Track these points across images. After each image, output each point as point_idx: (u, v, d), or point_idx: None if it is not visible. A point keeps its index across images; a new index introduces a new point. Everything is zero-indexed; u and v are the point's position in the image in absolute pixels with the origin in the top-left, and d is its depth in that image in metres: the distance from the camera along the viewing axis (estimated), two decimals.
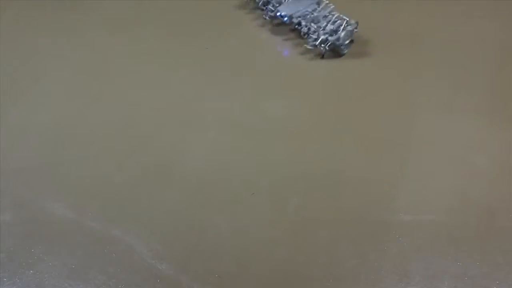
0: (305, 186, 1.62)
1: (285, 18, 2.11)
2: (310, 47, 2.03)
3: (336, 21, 2.02)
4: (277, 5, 2.17)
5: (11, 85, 2.01)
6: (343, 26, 2.00)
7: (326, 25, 2.01)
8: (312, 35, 2.03)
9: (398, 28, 2.19)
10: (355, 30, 2.04)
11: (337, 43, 2.00)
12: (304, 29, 2.07)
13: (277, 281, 1.40)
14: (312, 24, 2.05)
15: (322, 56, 2.03)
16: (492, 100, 1.86)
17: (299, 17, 2.10)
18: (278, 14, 2.12)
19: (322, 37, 1.98)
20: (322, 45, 2.00)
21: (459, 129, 1.77)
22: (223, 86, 1.96)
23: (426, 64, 2.02)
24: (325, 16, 2.07)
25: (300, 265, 1.43)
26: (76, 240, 1.49)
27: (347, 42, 2.02)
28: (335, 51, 2.04)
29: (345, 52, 2.04)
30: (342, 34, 1.98)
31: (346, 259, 1.43)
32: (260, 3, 2.25)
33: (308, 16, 2.09)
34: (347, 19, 2.03)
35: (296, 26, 2.13)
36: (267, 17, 2.21)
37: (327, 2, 2.13)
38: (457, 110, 1.83)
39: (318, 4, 2.13)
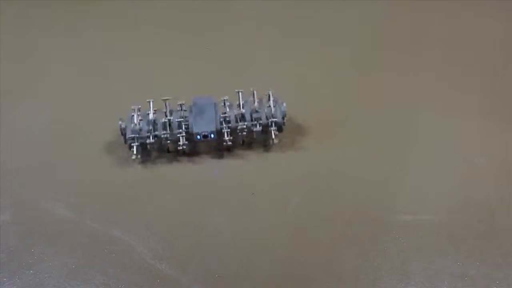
0: (305, 186, 1.62)
1: (212, 135, 1.68)
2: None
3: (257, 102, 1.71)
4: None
5: (11, 85, 2.01)
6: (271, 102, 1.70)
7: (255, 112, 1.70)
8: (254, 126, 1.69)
9: (397, 27, 2.20)
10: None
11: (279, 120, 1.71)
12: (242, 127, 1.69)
13: (277, 281, 1.40)
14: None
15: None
16: (492, 100, 1.86)
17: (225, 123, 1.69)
18: (199, 137, 1.68)
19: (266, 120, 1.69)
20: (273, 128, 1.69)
21: (459, 129, 1.77)
22: (225, 84, 1.92)
23: (426, 64, 2.02)
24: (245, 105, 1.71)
25: (300, 265, 1.43)
26: (76, 240, 1.49)
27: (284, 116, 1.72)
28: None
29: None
30: (275, 109, 1.69)
31: (346, 259, 1.43)
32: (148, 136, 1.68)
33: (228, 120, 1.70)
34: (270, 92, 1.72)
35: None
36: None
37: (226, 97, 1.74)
38: (457, 110, 1.83)
39: (225, 103, 1.72)
